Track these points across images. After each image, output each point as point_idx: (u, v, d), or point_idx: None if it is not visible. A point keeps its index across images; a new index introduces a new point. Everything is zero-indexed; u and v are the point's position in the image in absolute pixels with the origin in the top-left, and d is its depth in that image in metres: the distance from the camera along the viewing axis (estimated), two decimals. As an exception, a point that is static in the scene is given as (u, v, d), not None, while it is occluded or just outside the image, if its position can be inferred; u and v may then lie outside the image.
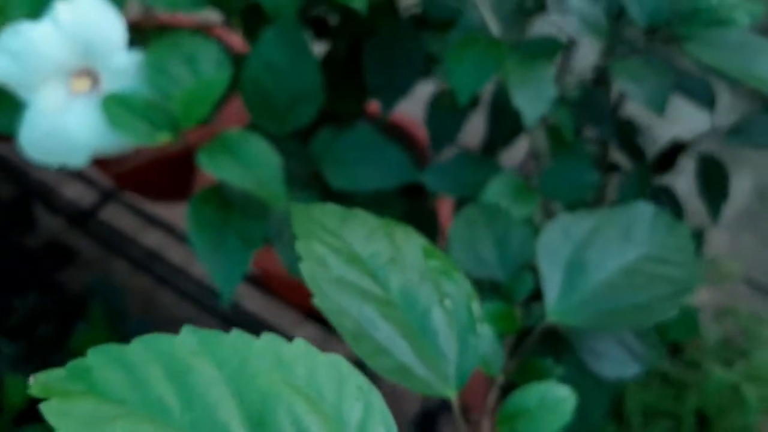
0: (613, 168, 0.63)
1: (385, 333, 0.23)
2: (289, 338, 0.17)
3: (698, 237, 0.63)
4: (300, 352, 0.18)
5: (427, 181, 0.50)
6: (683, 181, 0.66)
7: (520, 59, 0.43)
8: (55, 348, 0.88)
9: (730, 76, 0.40)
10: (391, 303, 0.24)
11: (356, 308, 0.23)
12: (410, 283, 0.25)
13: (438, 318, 0.25)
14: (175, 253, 1.04)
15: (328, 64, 0.66)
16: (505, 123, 0.58)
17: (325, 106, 0.68)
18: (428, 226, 0.65)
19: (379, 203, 0.60)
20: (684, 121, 0.72)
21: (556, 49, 0.45)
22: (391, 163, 0.57)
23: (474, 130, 0.67)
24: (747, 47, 0.41)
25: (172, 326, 0.18)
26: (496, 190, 0.46)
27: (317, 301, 0.23)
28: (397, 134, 0.84)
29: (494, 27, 0.45)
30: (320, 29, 0.68)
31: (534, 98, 0.42)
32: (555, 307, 0.31)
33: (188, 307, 1.02)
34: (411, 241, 0.26)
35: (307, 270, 0.24)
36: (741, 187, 1.67)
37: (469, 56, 0.43)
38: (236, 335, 0.18)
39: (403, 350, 0.23)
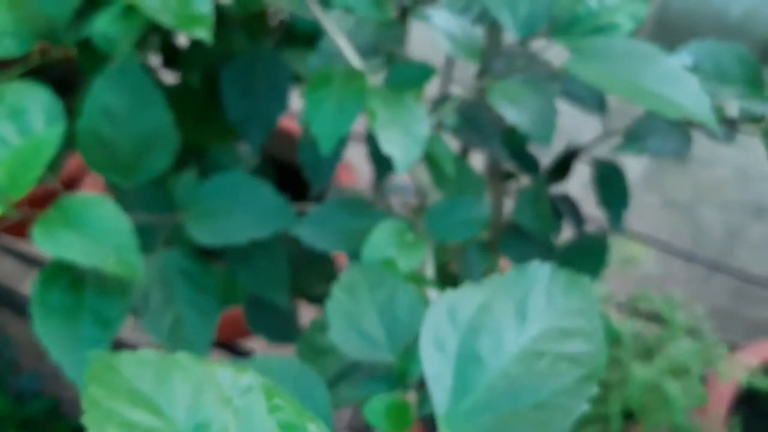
0: (509, 176, 0.60)
1: None
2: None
3: (602, 242, 0.60)
4: None
5: (302, 236, 0.45)
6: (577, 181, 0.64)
7: (387, 94, 0.38)
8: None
9: (618, 94, 0.36)
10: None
11: None
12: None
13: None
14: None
15: (181, 97, 0.59)
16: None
17: (187, 143, 0.62)
18: (323, 272, 0.60)
19: (257, 255, 0.54)
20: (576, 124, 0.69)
21: (426, 76, 0.40)
22: (266, 209, 0.51)
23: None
24: (633, 56, 0.38)
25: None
26: (379, 240, 0.41)
27: None
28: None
29: (353, 57, 0.40)
30: (170, 57, 0.60)
31: (405, 141, 0.37)
32: (446, 415, 0.26)
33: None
34: (252, 397, 0.21)
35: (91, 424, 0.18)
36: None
37: (328, 97, 0.38)
38: None
39: None
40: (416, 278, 0.40)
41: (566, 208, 0.57)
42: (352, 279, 0.37)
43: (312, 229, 0.45)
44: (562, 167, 0.55)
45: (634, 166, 1.63)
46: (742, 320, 1.44)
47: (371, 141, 0.56)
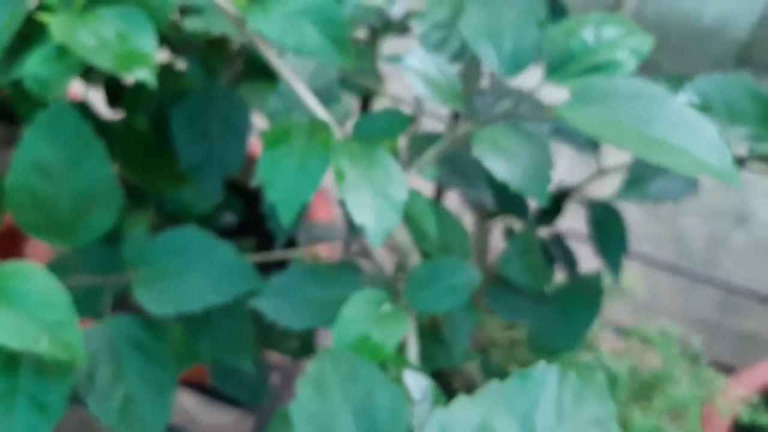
0: (493, 214, 0.55)
1: None
2: None
3: (596, 285, 0.55)
4: None
5: (264, 309, 0.39)
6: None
7: (356, 150, 0.33)
8: None
9: (624, 148, 0.31)
10: None
11: None
12: None
13: None
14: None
15: (127, 140, 0.52)
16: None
17: (140, 192, 0.56)
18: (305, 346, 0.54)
19: (217, 318, 0.48)
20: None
21: (399, 126, 0.35)
22: (225, 269, 0.45)
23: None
24: (639, 98, 0.33)
25: None
26: (353, 316, 0.35)
27: None
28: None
29: (315, 106, 0.34)
30: (114, 94, 0.54)
31: (379, 207, 0.31)
32: None
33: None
34: None
35: None
36: (622, 158, 1.67)
37: (288, 155, 0.32)
38: None
39: None
40: (398, 361, 0.34)
41: (558, 250, 0.52)
42: (321, 372, 0.31)
43: (274, 301, 0.39)
44: (553, 208, 0.50)
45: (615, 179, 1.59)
46: (728, 332, 1.40)
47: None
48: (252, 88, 0.53)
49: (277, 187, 0.32)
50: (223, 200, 0.76)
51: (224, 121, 0.49)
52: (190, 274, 0.45)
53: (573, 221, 0.61)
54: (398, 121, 0.35)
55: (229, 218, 0.78)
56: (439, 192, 0.67)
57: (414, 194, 0.37)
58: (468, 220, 0.55)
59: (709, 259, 1.56)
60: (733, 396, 0.75)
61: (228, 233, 0.90)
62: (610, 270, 0.47)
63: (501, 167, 0.34)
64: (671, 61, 1.91)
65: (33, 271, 0.41)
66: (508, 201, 0.49)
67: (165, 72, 0.51)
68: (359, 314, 0.35)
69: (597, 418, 0.25)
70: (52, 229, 0.44)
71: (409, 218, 0.38)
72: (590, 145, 0.45)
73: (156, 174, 0.53)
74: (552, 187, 0.51)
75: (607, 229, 0.47)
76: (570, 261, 0.52)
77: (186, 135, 0.49)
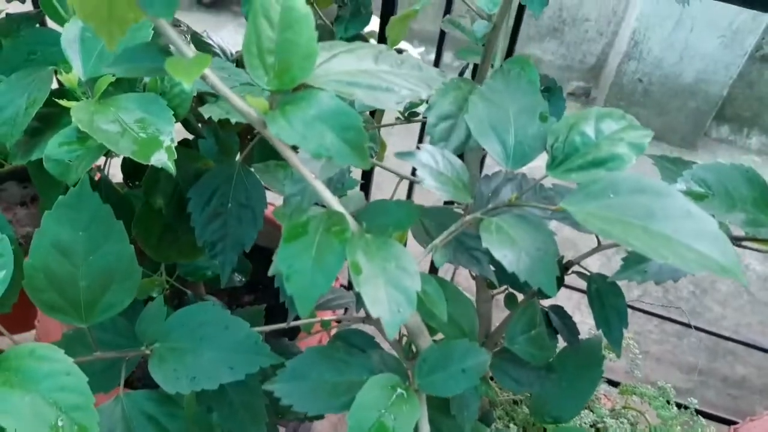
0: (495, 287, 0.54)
1: None
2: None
3: (597, 350, 0.55)
4: None
5: (278, 393, 0.38)
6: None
7: (370, 242, 0.33)
8: None
9: (630, 246, 0.30)
10: None
11: None
12: None
13: None
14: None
15: (144, 217, 0.52)
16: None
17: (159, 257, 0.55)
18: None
19: (232, 391, 0.47)
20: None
21: (410, 217, 0.35)
22: (240, 346, 0.44)
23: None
24: (642, 193, 0.32)
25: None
26: (368, 401, 0.34)
27: None
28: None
29: (331, 199, 0.34)
30: (131, 173, 0.54)
31: (394, 300, 0.31)
32: None
33: None
34: None
35: None
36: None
37: (305, 251, 0.32)
38: None
39: None
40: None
41: (560, 321, 0.51)
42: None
43: (289, 386, 0.38)
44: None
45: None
46: (717, 377, 1.39)
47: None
48: (265, 165, 0.53)
49: (296, 281, 0.31)
50: (235, 263, 0.76)
51: (240, 200, 0.49)
52: (205, 351, 0.44)
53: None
54: (408, 213, 0.35)
55: (239, 279, 0.78)
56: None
57: (425, 279, 0.37)
58: (465, 282, 0.54)
59: (697, 304, 1.55)
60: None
61: (238, 292, 0.90)
62: (610, 342, 0.46)
63: (509, 258, 0.34)
64: (654, 117, 1.93)
65: (50, 353, 0.40)
66: (511, 277, 0.49)
67: (182, 153, 0.51)
68: (373, 400, 0.34)
69: None
70: (70, 309, 0.44)
71: (420, 302, 0.38)
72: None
73: (172, 250, 0.53)
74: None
75: (608, 303, 0.47)
76: (572, 331, 0.52)
77: (203, 214, 0.49)
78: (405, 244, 0.35)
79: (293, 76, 0.30)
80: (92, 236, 0.43)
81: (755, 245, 0.42)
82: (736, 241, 0.42)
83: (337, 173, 0.39)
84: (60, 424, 0.37)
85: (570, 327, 0.51)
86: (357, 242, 0.32)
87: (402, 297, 0.31)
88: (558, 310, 0.51)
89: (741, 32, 1.69)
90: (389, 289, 0.31)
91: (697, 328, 1.23)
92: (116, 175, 0.59)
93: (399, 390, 0.35)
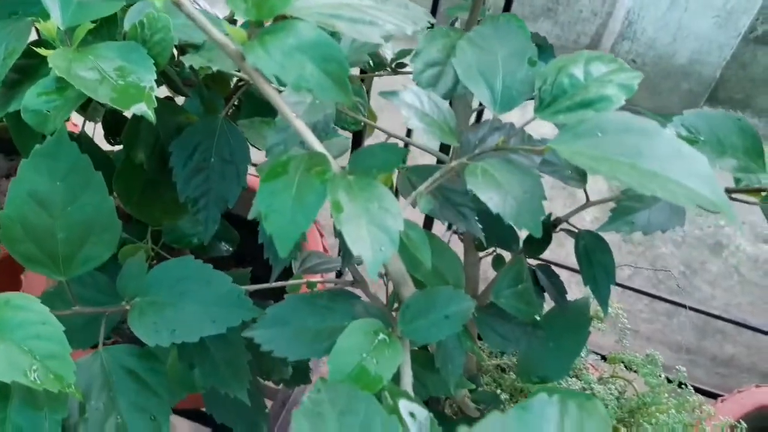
0: (484, 247, 0.54)
1: None
2: None
3: (584, 310, 0.54)
4: None
5: (259, 339, 0.38)
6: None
7: (353, 183, 0.32)
8: None
9: (618, 181, 0.30)
10: None
11: None
12: None
13: None
14: None
15: (125, 173, 0.51)
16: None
17: (137, 223, 0.54)
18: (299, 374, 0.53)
19: (213, 347, 0.47)
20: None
21: (396, 159, 0.34)
22: (221, 299, 0.43)
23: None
24: (630, 132, 0.32)
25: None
26: (349, 346, 0.34)
27: None
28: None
29: (313, 141, 0.33)
30: (112, 128, 0.53)
31: (376, 239, 0.30)
32: None
33: None
34: None
35: None
36: (598, 188, 1.68)
37: (285, 189, 0.31)
38: None
39: None
40: (393, 391, 0.33)
41: (547, 279, 0.51)
42: (318, 403, 0.30)
43: (270, 332, 0.37)
44: (543, 238, 0.49)
45: (595, 211, 1.59)
46: (706, 356, 1.40)
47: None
48: (249, 122, 0.52)
49: (275, 220, 0.30)
50: (221, 232, 0.75)
51: (223, 155, 0.48)
52: (186, 305, 0.43)
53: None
54: (394, 154, 0.34)
55: (226, 249, 0.77)
56: (430, 222, 0.66)
57: (409, 225, 0.36)
58: (457, 248, 0.54)
59: (686, 284, 1.56)
60: (720, 422, 0.74)
61: (226, 264, 0.89)
62: (598, 300, 0.46)
63: (494, 200, 0.33)
64: (646, 98, 1.92)
65: (26, 302, 0.39)
66: (498, 233, 0.48)
67: (164, 106, 0.50)
68: (355, 344, 0.34)
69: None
70: (47, 261, 0.43)
71: (403, 248, 0.37)
72: (577, 178, 0.44)
73: (154, 207, 0.52)
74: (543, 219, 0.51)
75: (595, 260, 0.46)
76: (559, 290, 0.51)
77: (185, 168, 0.48)
78: (394, 191, 0.35)
79: (272, 6, 0.29)
80: (70, 186, 0.43)
81: (747, 197, 0.41)
82: (728, 192, 0.42)
83: (321, 120, 0.38)
84: (34, 370, 0.37)
85: (557, 286, 0.51)
86: (339, 182, 0.32)
87: (384, 236, 0.30)
88: (545, 268, 0.51)
89: (735, 12, 1.68)
90: (371, 228, 0.30)
91: (688, 307, 1.23)
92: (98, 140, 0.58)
93: (381, 335, 0.35)
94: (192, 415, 0.88)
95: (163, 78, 0.52)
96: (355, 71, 0.63)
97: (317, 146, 0.33)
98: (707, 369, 1.39)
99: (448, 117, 0.35)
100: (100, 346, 0.45)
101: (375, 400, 0.30)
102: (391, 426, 0.29)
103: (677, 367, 0.71)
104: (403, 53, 0.55)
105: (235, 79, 0.56)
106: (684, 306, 1.19)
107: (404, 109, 0.33)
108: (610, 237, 0.43)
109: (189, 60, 0.44)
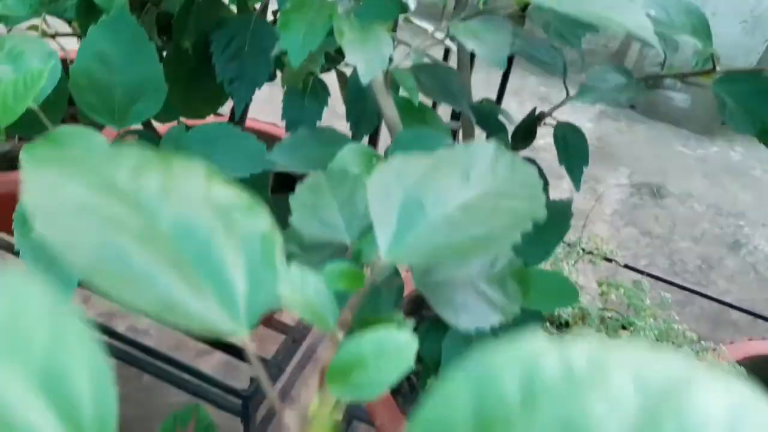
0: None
1: (144, 264, 0.18)
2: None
3: (566, 207, 0.61)
4: None
5: (275, 158, 0.46)
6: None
7: (356, 23, 0.40)
8: None
9: (571, 13, 0.37)
10: (157, 234, 0.20)
11: (100, 237, 0.18)
12: (187, 215, 0.21)
13: (222, 250, 0.21)
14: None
15: (173, 61, 0.60)
16: (364, 105, 0.55)
17: (178, 107, 0.63)
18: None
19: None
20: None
21: (395, 9, 0.42)
22: (245, 152, 0.52)
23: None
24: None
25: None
26: (344, 158, 0.42)
27: (39, 227, 0.18)
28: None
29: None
30: (164, 26, 0.63)
31: (369, 55, 0.38)
32: (389, 246, 0.27)
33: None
34: (191, 173, 0.22)
35: (32, 199, 0.18)
36: (619, 183, 1.73)
37: (300, 18, 0.40)
38: None
39: (170, 282, 0.18)
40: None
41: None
42: (316, 180, 0.38)
43: (285, 154, 0.46)
44: (528, 131, 0.57)
45: (612, 199, 1.65)
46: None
47: (350, 115, 0.58)
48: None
49: (290, 39, 0.39)
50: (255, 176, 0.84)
51: (254, 44, 0.57)
52: (217, 155, 0.52)
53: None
54: (393, 6, 0.42)
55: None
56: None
57: (403, 74, 0.44)
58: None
59: (702, 279, 1.59)
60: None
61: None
62: (571, 179, 0.53)
63: (472, 45, 0.41)
64: (672, 102, 1.95)
65: (89, 133, 0.48)
66: (489, 123, 0.56)
67: (207, 2, 0.59)
68: (350, 157, 0.42)
69: (525, 181, 0.31)
70: (106, 111, 0.52)
71: (401, 99, 0.45)
72: (559, 69, 0.51)
73: (195, 94, 0.61)
74: (528, 114, 0.58)
75: (571, 145, 0.53)
76: (543, 182, 0.58)
77: (223, 54, 0.57)
78: (392, 37, 0.43)
79: None
80: (128, 51, 0.52)
81: (699, 80, 0.48)
82: (683, 77, 0.49)
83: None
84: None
85: (541, 178, 0.58)
86: (344, 19, 0.40)
87: (377, 56, 0.39)
88: (530, 161, 0.58)
89: (763, 18, 1.73)
90: (367, 48, 0.39)
91: (702, 295, 1.26)
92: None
93: (373, 158, 0.43)
94: (226, 348, 0.93)
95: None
96: None
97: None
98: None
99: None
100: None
101: (361, 178, 0.38)
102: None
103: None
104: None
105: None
106: (700, 293, 1.22)
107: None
108: (629, 231, 0.50)
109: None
